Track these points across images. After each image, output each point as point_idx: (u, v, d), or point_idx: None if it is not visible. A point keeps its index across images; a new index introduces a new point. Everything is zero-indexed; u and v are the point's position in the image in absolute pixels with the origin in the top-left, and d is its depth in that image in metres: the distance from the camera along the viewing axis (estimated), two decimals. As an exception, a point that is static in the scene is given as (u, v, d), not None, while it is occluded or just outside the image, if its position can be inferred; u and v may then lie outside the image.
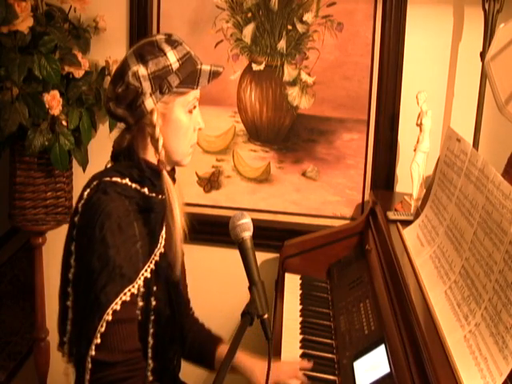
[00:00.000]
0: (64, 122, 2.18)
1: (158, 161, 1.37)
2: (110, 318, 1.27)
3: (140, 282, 1.34)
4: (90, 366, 1.29)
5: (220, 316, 2.25)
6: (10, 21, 2.03)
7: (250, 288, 1.25)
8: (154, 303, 1.39)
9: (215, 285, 2.47)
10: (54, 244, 2.47)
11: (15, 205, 2.29)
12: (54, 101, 2.10)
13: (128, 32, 2.38)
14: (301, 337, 1.73)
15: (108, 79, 2.34)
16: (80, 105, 2.24)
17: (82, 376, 1.31)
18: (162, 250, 1.42)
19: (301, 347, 1.68)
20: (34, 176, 2.27)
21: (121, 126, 1.45)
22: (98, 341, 1.27)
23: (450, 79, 2.22)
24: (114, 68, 2.28)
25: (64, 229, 2.30)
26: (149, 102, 1.33)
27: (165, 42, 1.36)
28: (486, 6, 1.96)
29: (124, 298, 1.29)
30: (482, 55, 1.97)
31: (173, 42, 1.37)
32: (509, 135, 2.09)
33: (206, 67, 1.39)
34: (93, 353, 1.28)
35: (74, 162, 2.33)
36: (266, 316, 1.22)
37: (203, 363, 1.63)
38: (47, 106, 2.09)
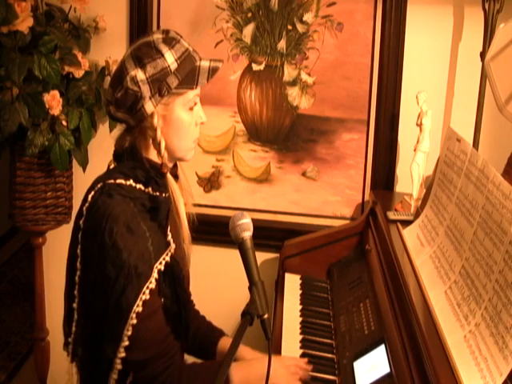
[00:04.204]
0: (64, 122, 2.18)
1: (162, 164, 1.40)
2: (134, 321, 1.30)
3: (155, 275, 1.35)
4: (119, 366, 1.32)
5: (220, 316, 2.24)
6: (10, 21, 2.03)
7: (250, 288, 1.25)
8: (162, 300, 1.41)
9: (215, 285, 2.47)
10: (54, 244, 2.47)
11: (15, 205, 2.29)
12: (53, 101, 2.10)
13: (128, 32, 2.38)
14: (301, 337, 1.73)
15: (108, 79, 2.34)
16: (80, 105, 2.24)
17: (105, 376, 1.34)
18: (173, 246, 1.44)
19: (301, 347, 1.68)
20: (34, 176, 2.27)
21: (121, 125, 1.46)
22: (127, 343, 1.30)
23: (450, 79, 2.22)
24: (114, 68, 2.28)
25: (64, 229, 2.33)
26: (149, 106, 1.35)
27: (162, 43, 1.36)
28: (486, 6, 1.96)
29: (144, 298, 1.31)
30: (482, 55, 1.97)
31: (170, 41, 1.37)
32: (509, 135, 2.09)
33: (204, 63, 1.39)
34: (122, 355, 1.31)
35: (74, 162, 2.33)
36: (266, 316, 1.22)
37: (205, 357, 1.64)
38: (47, 106, 2.09)
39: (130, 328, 1.30)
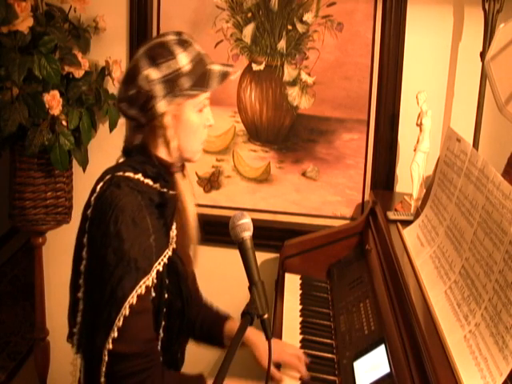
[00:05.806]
0: (64, 122, 2.18)
1: (171, 163, 1.41)
2: (127, 311, 1.30)
3: (153, 274, 1.36)
4: (106, 358, 1.32)
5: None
6: (10, 21, 2.03)
7: (250, 288, 1.25)
8: (166, 296, 1.42)
9: (215, 285, 2.46)
10: (54, 244, 2.48)
11: (15, 205, 2.29)
12: (54, 101, 2.10)
13: (128, 32, 2.38)
14: (301, 337, 1.73)
15: (108, 79, 2.34)
16: (80, 105, 2.24)
17: (97, 368, 1.34)
18: (174, 244, 1.46)
19: (301, 347, 1.68)
20: (34, 176, 2.27)
21: (124, 122, 1.47)
22: (116, 334, 1.30)
23: (450, 79, 2.22)
24: (114, 68, 2.29)
25: (64, 229, 2.33)
26: (160, 105, 1.35)
27: (176, 44, 1.37)
28: (486, 6, 1.96)
29: (139, 291, 1.32)
30: (482, 55, 1.97)
31: (183, 43, 1.38)
32: (509, 135, 2.09)
33: (216, 67, 1.40)
34: (110, 346, 1.31)
35: (74, 162, 2.33)
36: (266, 316, 1.22)
37: (213, 343, 1.66)
38: (47, 106, 2.09)
39: (122, 319, 1.30)
